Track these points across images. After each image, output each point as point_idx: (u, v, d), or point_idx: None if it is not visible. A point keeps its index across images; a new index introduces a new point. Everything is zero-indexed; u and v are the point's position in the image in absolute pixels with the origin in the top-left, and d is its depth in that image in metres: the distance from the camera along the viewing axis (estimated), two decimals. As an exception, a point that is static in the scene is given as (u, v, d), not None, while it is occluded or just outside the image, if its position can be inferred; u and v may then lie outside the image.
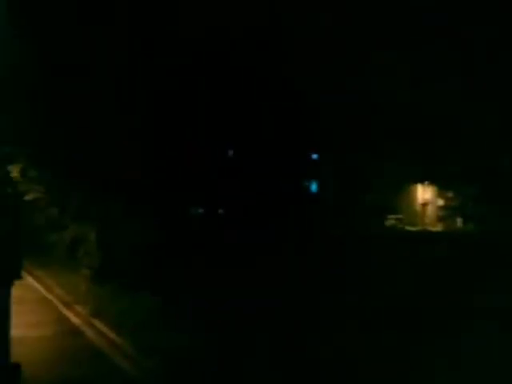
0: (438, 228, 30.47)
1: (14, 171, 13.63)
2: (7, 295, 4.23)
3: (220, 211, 14.86)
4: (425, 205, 32.74)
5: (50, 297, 12.41)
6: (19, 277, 4.74)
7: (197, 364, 7.07)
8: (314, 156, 16.10)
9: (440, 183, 31.27)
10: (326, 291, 11.22)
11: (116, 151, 12.54)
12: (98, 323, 9.32)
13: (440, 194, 32.31)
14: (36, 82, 11.48)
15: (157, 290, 10.88)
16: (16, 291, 6.34)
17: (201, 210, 14.92)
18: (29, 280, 13.75)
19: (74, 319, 10.06)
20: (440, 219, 31.83)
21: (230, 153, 14.51)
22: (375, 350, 7.41)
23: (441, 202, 32.30)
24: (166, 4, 11.77)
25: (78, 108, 12.44)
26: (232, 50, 12.55)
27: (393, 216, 29.33)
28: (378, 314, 9.29)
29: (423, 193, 33.00)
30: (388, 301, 10.14)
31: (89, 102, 12.24)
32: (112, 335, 8.60)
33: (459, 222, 30.32)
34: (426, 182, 32.44)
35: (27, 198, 13.84)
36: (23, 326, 8.58)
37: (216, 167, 13.60)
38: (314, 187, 15.84)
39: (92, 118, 12.58)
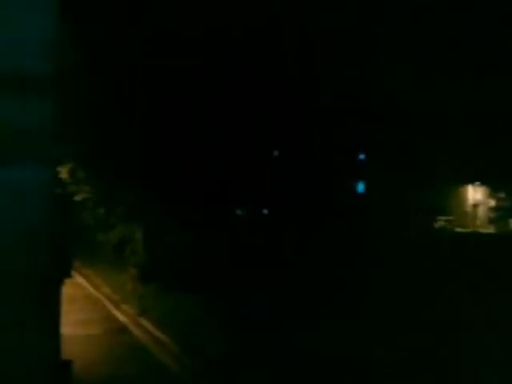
0: (490, 230, 29.52)
1: (63, 172, 13.92)
2: (58, 294, 4.23)
3: (264, 212, 14.74)
4: (476, 206, 31.80)
5: (98, 295, 12.63)
6: (69, 275, 4.78)
7: (238, 364, 7.02)
8: (361, 156, 15.82)
9: (491, 184, 30.28)
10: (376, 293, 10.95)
11: (162, 153, 12.63)
12: (144, 322, 9.40)
13: (491, 194, 31.31)
14: (84, 82, 11.67)
15: (200, 291, 10.89)
16: (66, 289, 6.43)
17: (240, 212, 14.83)
18: (78, 278, 14.03)
19: (122, 317, 10.19)
20: (491, 221, 30.83)
21: (276, 153, 14.43)
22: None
23: (492, 203, 31.29)
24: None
25: (126, 110, 12.60)
26: (273, 46, 12.44)
27: (442, 217, 28.60)
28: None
29: (474, 193, 32.06)
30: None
31: (138, 103, 12.37)
32: (158, 334, 8.65)
33: (512, 223, 29.32)
34: (477, 183, 31.50)
35: (76, 198, 14.13)
36: (73, 324, 8.73)
37: (261, 168, 13.52)
38: (361, 187, 15.52)
39: (138, 120, 12.72)
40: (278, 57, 12.07)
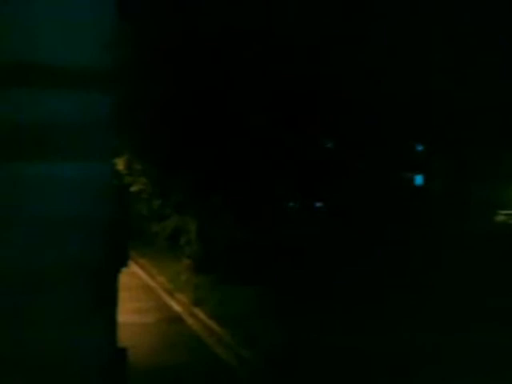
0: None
1: (120, 164, 14.17)
2: (115, 282, 4.27)
3: (318, 205, 14.52)
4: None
5: (152, 284, 12.84)
6: (126, 265, 4.81)
7: (292, 358, 6.94)
8: (419, 147, 15.34)
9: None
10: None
11: (217, 145, 12.64)
12: (198, 312, 9.46)
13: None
14: (140, 77, 11.81)
15: (255, 283, 10.86)
16: (122, 278, 6.52)
17: (293, 204, 14.66)
18: (133, 268, 14.32)
19: (176, 307, 10.30)
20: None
21: (329, 144, 14.21)
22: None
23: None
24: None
25: (180, 102, 12.67)
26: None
27: (504, 211, 27.50)
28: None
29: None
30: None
31: (193, 97, 12.43)
32: (212, 324, 8.68)
33: None
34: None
35: (132, 189, 14.39)
36: (128, 313, 8.88)
37: (314, 159, 13.31)
38: (419, 180, 15.04)
39: (192, 112, 12.78)
40: (330, 45, 11.83)
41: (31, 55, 3.93)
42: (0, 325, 3.72)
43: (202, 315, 9.26)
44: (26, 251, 3.87)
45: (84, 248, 4.11)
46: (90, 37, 3.99)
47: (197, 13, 11.59)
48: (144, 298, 11.01)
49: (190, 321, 9.27)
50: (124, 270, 6.34)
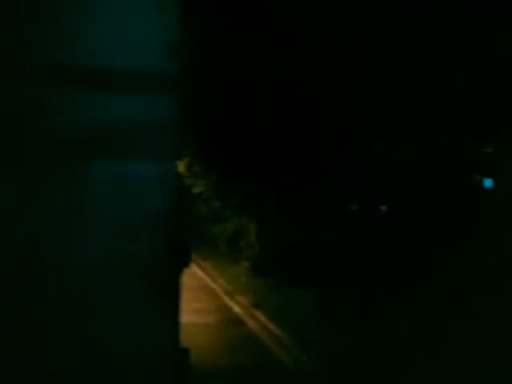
0: None
1: (181, 166, 14.43)
2: (178, 283, 4.30)
3: (383, 208, 14.15)
4: None
5: (213, 286, 12.96)
6: (188, 265, 4.86)
7: (351, 364, 6.81)
8: (488, 149, 14.72)
9: None
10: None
11: (277, 147, 12.60)
12: (258, 314, 9.46)
13: None
14: (201, 80, 11.96)
15: (315, 286, 10.75)
16: (183, 279, 6.61)
17: (355, 207, 14.36)
18: (194, 269, 14.52)
19: (236, 308, 10.34)
20: None
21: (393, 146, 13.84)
22: None
23: None
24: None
25: (241, 107, 12.73)
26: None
27: None
28: None
29: None
30: None
31: (250, 101, 12.45)
32: (272, 327, 8.65)
33: None
34: None
35: (195, 190, 14.62)
36: (188, 313, 8.99)
37: (376, 160, 13.02)
38: (488, 183, 14.37)
39: (252, 116, 12.80)
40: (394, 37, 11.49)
41: (96, 59, 4.03)
42: (66, 325, 3.83)
43: (261, 317, 9.25)
44: (91, 251, 3.97)
45: (147, 248, 4.18)
46: (154, 39, 4.06)
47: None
48: (204, 299, 11.13)
49: (249, 323, 9.28)
50: (185, 270, 6.45)
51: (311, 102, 12.13)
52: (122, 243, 3.98)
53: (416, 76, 11.54)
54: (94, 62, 3.95)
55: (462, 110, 12.13)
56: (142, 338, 4.07)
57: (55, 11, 3.97)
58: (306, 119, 12.40)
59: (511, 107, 11.69)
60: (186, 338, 6.09)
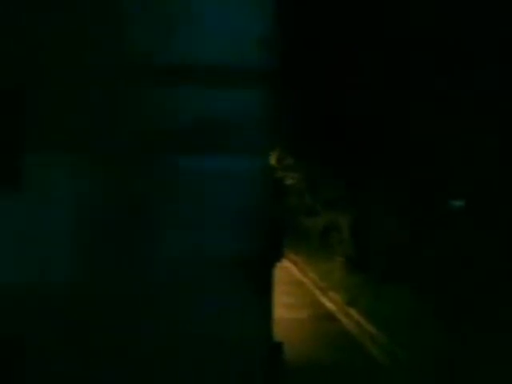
0: None
1: (272, 159, 14.41)
2: (271, 277, 4.25)
3: (457, 203, 13.21)
4: None
5: (304, 280, 12.84)
6: (280, 260, 4.78)
7: (447, 363, 6.45)
8: None
9: None
10: None
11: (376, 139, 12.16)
12: (352, 311, 9.23)
13: None
14: (296, 75, 11.82)
15: (411, 285, 10.32)
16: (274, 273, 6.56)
17: (459, 203, 13.44)
18: (285, 262, 14.47)
19: (329, 304, 10.15)
20: None
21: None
22: None
23: None
24: None
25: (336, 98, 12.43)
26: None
27: None
28: None
29: None
30: None
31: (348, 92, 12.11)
32: (366, 324, 8.40)
33: None
34: None
35: (288, 182, 14.57)
36: (280, 307, 8.93)
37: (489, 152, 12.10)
38: None
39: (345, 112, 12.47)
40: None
41: (197, 57, 4.09)
42: (163, 320, 3.89)
43: (355, 314, 9.01)
44: (191, 243, 3.99)
45: (242, 240, 4.16)
46: (251, 35, 4.07)
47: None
48: (295, 294, 11.03)
49: (342, 319, 9.07)
50: (278, 264, 6.37)
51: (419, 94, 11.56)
52: (212, 235, 3.97)
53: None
54: (194, 59, 3.99)
55: None
56: (239, 331, 4.04)
57: (160, 11, 4.05)
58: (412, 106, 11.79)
59: None
60: (278, 333, 6.03)
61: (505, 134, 11.30)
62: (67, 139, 3.88)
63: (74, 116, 3.88)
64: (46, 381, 3.74)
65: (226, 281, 4.15)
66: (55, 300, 3.76)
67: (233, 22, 4.06)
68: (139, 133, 3.97)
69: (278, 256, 5.22)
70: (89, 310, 3.78)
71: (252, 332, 4.22)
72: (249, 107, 4.13)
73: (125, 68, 3.97)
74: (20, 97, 3.83)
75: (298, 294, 11.05)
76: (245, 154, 4.13)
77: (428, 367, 6.41)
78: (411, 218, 11.84)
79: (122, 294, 3.91)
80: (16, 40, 3.84)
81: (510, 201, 11.54)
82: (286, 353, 6.48)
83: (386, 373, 6.60)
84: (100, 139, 3.96)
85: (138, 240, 3.96)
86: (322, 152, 13.54)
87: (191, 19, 4.00)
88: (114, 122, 3.96)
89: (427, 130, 11.31)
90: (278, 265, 6.55)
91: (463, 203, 12.38)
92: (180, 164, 3.94)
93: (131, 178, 3.96)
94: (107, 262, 3.92)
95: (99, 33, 3.92)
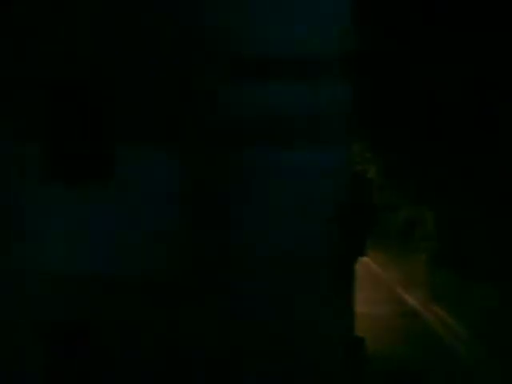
0: None
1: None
2: (353, 272, 4.26)
3: None
4: None
5: (384, 275, 12.64)
6: (363, 255, 4.77)
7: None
8: None
9: None
10: None
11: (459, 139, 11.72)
12: (436, 308, 9.01)
13: None
14: (373, 69, 11.62)
15: (495, 280, 9.89)
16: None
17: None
18: (366, 258, 14.28)
19: (411, 301, 9.96)
20: None
21: None
22: None
23: None
24: None
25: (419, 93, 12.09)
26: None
27: None
28: None
29: None
30: None
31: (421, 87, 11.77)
32: (450, 321, 8.20)
33: None
34: None
35: (369, 176, 14.33)
36: (361, 303, 8.84)
37: None
38: None
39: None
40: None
41: (274, 49, 4.10)
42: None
43: (439, 311, 8.79)
44: (268, 236, 4.05)
45: (322, 235, 4.16)
46: (328, 27, 4.03)
47: None
48: (375, 290, 10.89)
49: (425, 316, 8.88)
50: (359, 259, 6.33)
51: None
52: (290, 231, 4.00)
53: None
54: (271, 51, 4.02)
55: None
56: (321, 326, 4.08)
57: (241, 3, 4.12)
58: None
59: None
60: (359, 328, 6.01)
61: None
62: (156, 130, 4.00)
63: (162, 107, 3.98)
64: (107, 364, 3.88)
65: (308, 276, 4.18)
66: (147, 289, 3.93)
67: (313, 13, 4.03)
68: (226, 123, 4.03)
69: (360, 251, 5.19)
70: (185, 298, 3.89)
71: (334, 327, 4.24)
72: (325, 100, 4.10)
73: (213, 62, 4.04)
74: (110, 91, 3.99)
75: (378, 290, 10.93)
76: (326, 146, 4.11)
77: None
78: (501, 215, 11.33)
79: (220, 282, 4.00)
80: (106, 39, 4.02)
81: None
82: (370, 348, 6.45)
83: (471, 372, 6.43)
84: (189, 129, 4.06)
85: (231, 233, 4.03)
86: (404, 145, 13.23)
87: (274, 14, 4.00)
88: (203, 112, 4.03)
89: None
90: (359, 260, 6.51)
91: None
92: (266, 158, 3.98)
93: (219, 167, 3.99)
94: (203, 251, 4.01)
95: (183, 29, 3.99)
